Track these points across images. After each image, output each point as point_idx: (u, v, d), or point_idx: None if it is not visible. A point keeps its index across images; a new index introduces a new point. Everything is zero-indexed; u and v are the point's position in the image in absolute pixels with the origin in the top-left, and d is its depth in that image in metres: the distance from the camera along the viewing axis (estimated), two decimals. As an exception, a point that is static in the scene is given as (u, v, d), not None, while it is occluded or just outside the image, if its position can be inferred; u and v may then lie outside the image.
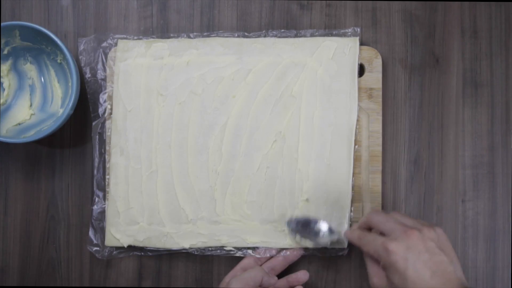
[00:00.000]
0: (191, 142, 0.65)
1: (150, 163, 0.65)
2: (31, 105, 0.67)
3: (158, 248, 0.65)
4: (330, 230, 0.63)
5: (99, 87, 0.67)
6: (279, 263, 0.64)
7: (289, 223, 0.63)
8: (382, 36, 0.68)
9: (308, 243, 0.63)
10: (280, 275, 0.64)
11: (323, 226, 0.62)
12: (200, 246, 0.64)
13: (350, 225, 0.64)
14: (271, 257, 0.64)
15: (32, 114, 0.67)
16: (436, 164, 0.67)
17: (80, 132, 0.68)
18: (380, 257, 0.51)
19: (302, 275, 0.64)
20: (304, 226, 0.63)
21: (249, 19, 0.69)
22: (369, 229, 0.56)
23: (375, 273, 0.53)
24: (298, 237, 0.63)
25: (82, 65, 0.67)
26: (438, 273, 0.48)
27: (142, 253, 0.66)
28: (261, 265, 0.64)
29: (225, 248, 0.65)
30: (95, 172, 0.66)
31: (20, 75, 0.68)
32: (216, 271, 0.67)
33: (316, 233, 0.62)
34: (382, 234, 0.53)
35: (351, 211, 0.64)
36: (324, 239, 0.62)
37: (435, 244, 0.49)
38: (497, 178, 0.67)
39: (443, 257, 0.49)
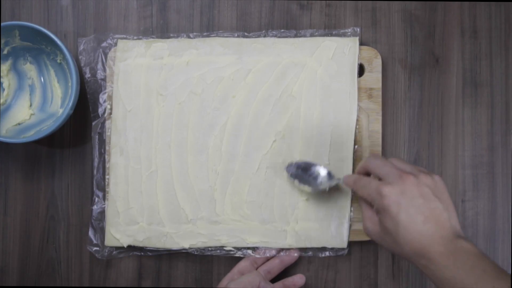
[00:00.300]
0: (191, 142, 0.65)
1: (150, 163, 0.65)
2: (31, 105, 0.67)
3: (158, 248, 0.65)
4: (329, 175, 0.62)
5: (99, 87, 0.67)
6: (275, 266, 0.64)
7: (288, 167, 0.63)
8: (382, 36, 0.68)
9: (307, 189, 0.62)
10: (277, 278, 0.64)
11: (322, 171, 0.62)
12: (200, 246, 0.64)
13: (350, 226, 0.64)
14: (268, 259, 0.64)
15: (32, 114, 0.67)
16: (436, 164, 0.67)
17: (80, 132, 0.68)
18: (373, 201, 0.51)
19: (298, 279, 0.64)
20: (304, 171, 0.62)
21: (249, 19, 0.69)
22: (368, 174, 0.55)
23: (368, 218, 0.52)
24: (297, 182, 0.62)
25: (82, 65, 0.67)
26: (431, 219, 0.47)
27: (142, 253, 0.66)
28: (257, 268, 0.64)
29: (225, 248, 0.65)
30: (95, 172, 0.66)
31: (20, 75, 0.68)
32: (216, 271, 0.67)
33: (315, 177, 0.62)
34: (379, 179, 0.52)
35: (351, 211, 0.64)
36: (323, 184, 0.61)
37: (431, 190, 0.49)
38: (497, 178, 0.67)
39: (438, 204, 0.48)
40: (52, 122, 0.65)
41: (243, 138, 0.65)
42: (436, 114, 0.68)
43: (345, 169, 0.64)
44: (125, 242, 0.64)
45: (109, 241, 0.65)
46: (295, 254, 0.64)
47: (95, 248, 0.65)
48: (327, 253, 0.65)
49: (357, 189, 0.54)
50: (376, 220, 0.51)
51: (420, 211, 0.48)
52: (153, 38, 0.67)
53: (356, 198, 0.65)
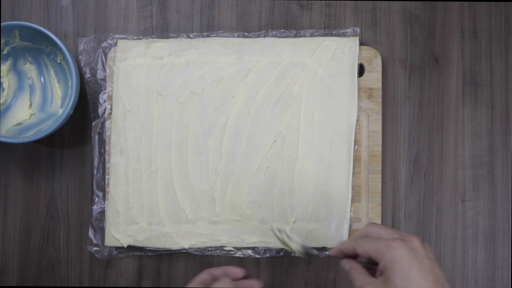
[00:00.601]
0: (191, 142, 0.65)
1: (149, 163, 0.65)
2: (30, 105, 0.67)
3: (158, 248, 0.65)
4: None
5: (99, 87, 0.67)
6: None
7: (278, 230, 0.60)
8: (382, 36, 0.68)
9: (297, 243, 0.57)
10: None
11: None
12: (200, 246, 0.64)
13: (350, 226, 0.64)
14: (227, 274, 0.56)
15: (32, 114, 0.67)
16: (436, 164, 0.67)
17: (80, 132, 0.68)
18: (381, 255, 0.47)
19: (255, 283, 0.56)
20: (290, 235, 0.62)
21: (249, 19, 0.69)
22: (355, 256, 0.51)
23: (366, 283, 0.48)
24: (285, 235, 0.58)
25: (82, 65, 0.67)
26: (438, 284, 0.45)
27: (142, 253, 0.66)
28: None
29: (224, 248, 0.65)
30: (95, 172, 0.66)
31: (20, 75, 0.68)
32: (216, 271, 0.67)
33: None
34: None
35: (351, 211, 0.64)
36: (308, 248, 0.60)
37: (434, 257, 0.48)
38: (497, 178, 0.67)
39: (441, 272, 0.47)
40: (52, 122, 0.65)
41: (243, 138, 0.65)
42: (436, 114, 0.68)
43: (345, 170, 0.64)
44: (125, 242, 0.64)
45: (109, 241, 0.65)
46: (257, 286, 0.56)
47: (95, 248, 0.66)
48: (327, 253, 0.65)
49: (359, 245, 0.49)
50: (377, 282, 0.47)
51: (429, 272, 0.46)
52: (153, 38, 0.67)
53: (356, 198, 0.65)
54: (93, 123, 0.66)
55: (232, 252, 0.65)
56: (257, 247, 0.65)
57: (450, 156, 0.67)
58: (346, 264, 0.51)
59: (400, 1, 0.68)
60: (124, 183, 0.65)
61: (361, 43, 0.67)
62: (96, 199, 0.66)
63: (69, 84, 0.65)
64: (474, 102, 0.68)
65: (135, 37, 0.67)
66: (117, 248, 0.66)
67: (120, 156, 0.65)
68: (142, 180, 0.65)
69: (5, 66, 0.66)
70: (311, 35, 0.67)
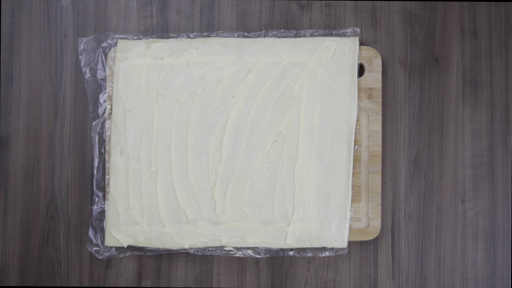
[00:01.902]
0: (191, 142, 0.65)
1: (150, 163, 0.65)
2: (31, 105, 0.67)
3: (158, 248, 0.65)
4: None
5: (99, 87, 0.67)
6: None
7: None
8: (382, 36, 0.68)
9: None
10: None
11: None
12: (200, 246, 0.64)
13: (350, 226, 0.64)
14: None
15: (32, 114, 0.67)
16: (435, 164, 0.67)
17: (80, 132, 0.68)
18: None
19: None
20: None
21: (249, 19, 0.69)
22: None
23: None
24: None
25: (82, 65, 0.67)
26: None
27: (142, 253, 0.66)
28: None
29: (225, 248, 0.65)
30: (95, 172, 0.66)
31: (20, 75, 0.68)
32: (216, 271, 0.67)
33: None
34: None
35: (351, 211, 0.64)
36: None
37: None
38: (497, 178, 0.67)
39: None
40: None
41: (243, 138, 0.65)
42: (436, 114, 0.68)
43: (345, 170, 0.64)
44: (125, 242, 0.64)
45: (109, 241, 0.65)
46: None
47: (95, 248, 0.66)
48: (327, 253, 0.65)
49: None
50: None
51: None
52: (153, 38, 0.67)
53: (356, 198, 0.65)
54: (93, 123, 0.66)
55: (232, 252, 0.65)
56: (257, 247, 0.65)
57: (450, 156, 0.67)
58: None
59: (400, 1, 0.68)
60: (124, 183, 0.65)
61: (361, 43, 0.67)
62: (96, 199, 0.66)
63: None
64: (474, 102, 0.68)
65: (135, 37, 0.67)
66: (117, 248, 0.66)
67: (120, 156, 0.65)
68: (142, 180, 0.65)
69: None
70: (311, 35, 0.67)
